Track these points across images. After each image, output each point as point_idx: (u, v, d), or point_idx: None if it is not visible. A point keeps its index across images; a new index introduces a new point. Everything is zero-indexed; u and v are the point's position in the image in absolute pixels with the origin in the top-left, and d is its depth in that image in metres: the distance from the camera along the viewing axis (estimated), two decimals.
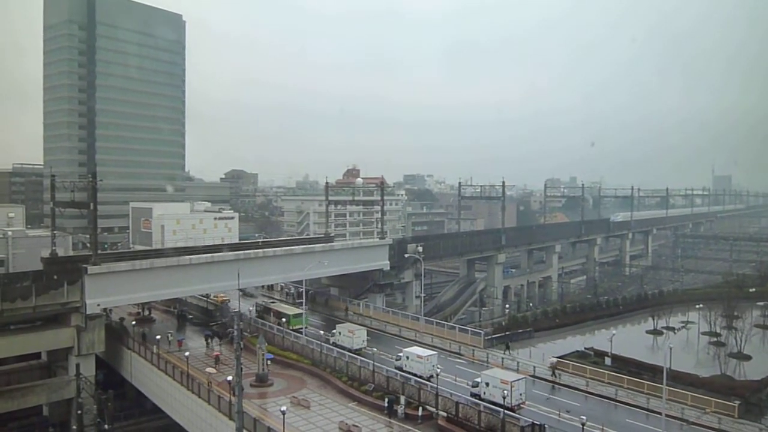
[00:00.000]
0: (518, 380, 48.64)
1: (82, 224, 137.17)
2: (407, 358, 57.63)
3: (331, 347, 62.50)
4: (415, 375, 54.26)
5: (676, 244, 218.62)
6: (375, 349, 64.33)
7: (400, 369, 56.60)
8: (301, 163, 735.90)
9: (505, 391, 46.82)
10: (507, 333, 73.34)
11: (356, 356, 59.42)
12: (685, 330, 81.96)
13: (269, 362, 59.00)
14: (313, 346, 62.97)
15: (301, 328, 72.16)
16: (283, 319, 74.05)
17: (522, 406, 48.24)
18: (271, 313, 78.67)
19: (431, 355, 57.33)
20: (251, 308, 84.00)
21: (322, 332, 72.97)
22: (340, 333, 67.63)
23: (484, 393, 49.00)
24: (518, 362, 60.44)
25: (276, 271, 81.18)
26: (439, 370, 51.70)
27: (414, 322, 77.80)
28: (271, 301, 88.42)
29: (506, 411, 44.04)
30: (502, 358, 62.49)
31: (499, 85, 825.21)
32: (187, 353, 59.87)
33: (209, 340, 70.93)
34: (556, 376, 56.84)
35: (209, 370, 59.30)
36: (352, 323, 75.76)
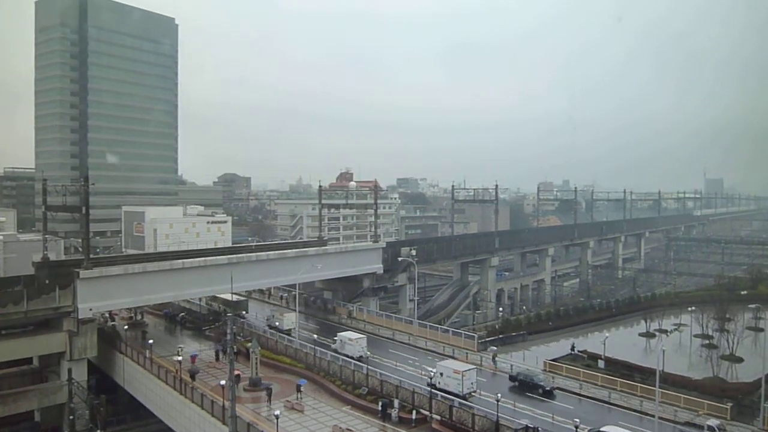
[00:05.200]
0: (469, 370, 52.19)
1: (74, 228, 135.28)
2: (341, 341, 64.18)
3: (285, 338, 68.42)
4: (348, 356, 60.95)
5: (668, 247, 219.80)
6: (369, 353, 64.31)
7: (336, 351, 62.58)
8: (295, 167, 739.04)
9: (457, 381, 50.50)
10: (500, 336, 73.57)
11: (285, 335, 69.37)
12: (677, 332, 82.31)
13: (302, 387, 54.57)
14: (307, 350, 62.89)
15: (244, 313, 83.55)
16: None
17: (473, 394, 51.28)
18: (219, 301, 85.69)
19: (360, 338, 64.76)
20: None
21: (315, 336, 73.10)
22: (273, 316, 78.19)
23: (439, 382, 51.73)
24: (511, 365, 60.46)
25: (269, 275, 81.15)
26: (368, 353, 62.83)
27: (407, 326, 77.71)
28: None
29: (461, 400, 48.17)
30: (496, 361, 62.64)
31: (493, 88, 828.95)
32: (179, 358, 59.52)
33: (220, 355, 66.44)
34: (495, 364, 61.97)
35: (177, 358, 59.27)
36: (287, 309, 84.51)
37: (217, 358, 66.68)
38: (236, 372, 56.91)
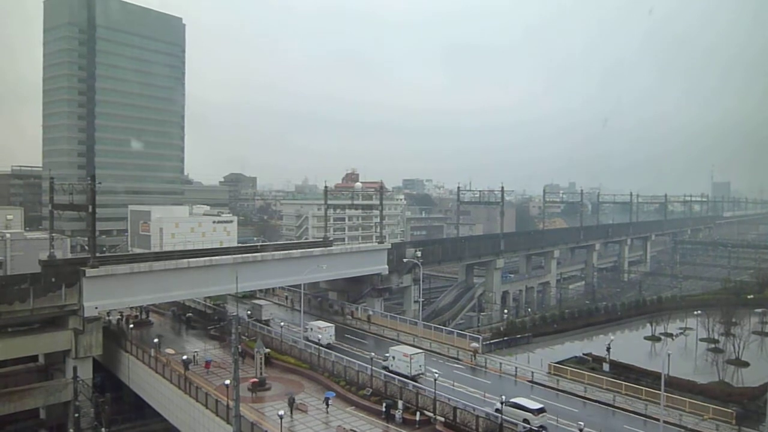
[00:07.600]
0: (417, 354, 57.37)
1: (80, 227, 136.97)
2: (311, 329, 70.62)
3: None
4: (317, 343, 65.16)
5: (675, 250, 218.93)
6: (373, 354, 64.20)
7: (307, 339, 68.01)
8: (301, 167, 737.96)
9: (406, 363, 55.92)
10: (505, 338, 73.43)
11: (265, 326, 75.04)
12: (683, 336, 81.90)
13: (330, 400, 51.54)
14: (312, 350, 62.95)
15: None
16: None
17: (421, 375, 55.95)
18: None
19: (329, 326, 70.59)
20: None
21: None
22: (254, 308, 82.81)
23: (392, 365, 56.98)
24: (516, 367, 60.39)
25: (274, 275, 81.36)
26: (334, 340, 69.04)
27: (412, 327, 77.73)
28: None
29: (409, 380, 52.90)
30: (500, 364, 62.52)
31: (496, 89, 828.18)
32: (185, 357, 59.62)
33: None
34: (474, 360, 63.89)
35: (168, 351, 59.23)
36: (265, 301, 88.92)
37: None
38: (253, 380, 56.39)
